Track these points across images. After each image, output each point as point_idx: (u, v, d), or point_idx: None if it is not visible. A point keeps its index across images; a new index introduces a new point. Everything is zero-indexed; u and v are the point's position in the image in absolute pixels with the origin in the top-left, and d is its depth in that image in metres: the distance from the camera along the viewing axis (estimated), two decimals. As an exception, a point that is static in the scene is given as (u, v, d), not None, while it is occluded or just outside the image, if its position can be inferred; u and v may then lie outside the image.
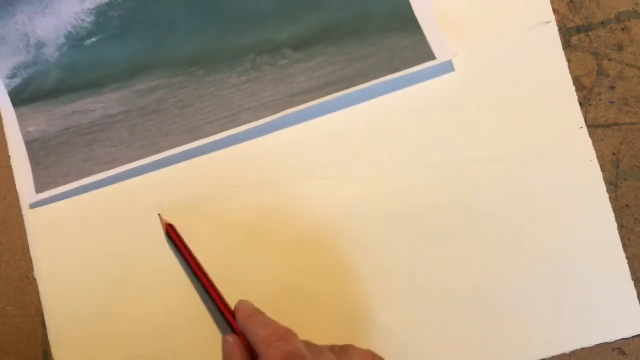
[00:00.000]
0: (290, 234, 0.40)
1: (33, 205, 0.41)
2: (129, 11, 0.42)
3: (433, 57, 0.41)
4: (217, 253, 0.40)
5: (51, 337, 0.40)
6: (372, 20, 0.42)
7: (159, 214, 0.40)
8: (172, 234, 0.39)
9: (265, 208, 0.41)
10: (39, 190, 0.41)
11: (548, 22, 0.42)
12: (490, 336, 0.40)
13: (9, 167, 0.41)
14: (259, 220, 0.41)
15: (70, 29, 0.42)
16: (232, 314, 0.36)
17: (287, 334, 0.33)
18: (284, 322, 0.34)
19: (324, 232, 0.41)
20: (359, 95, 0.41)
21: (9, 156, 0.41)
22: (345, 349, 0.36)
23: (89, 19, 0.42)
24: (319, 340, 0.35)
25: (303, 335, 0.34)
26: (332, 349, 0.35)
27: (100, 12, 0.42)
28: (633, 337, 0.40)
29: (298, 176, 0.41)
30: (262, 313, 0.36)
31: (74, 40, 0.42)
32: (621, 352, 0.40)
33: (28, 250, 0.41)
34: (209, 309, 0.40)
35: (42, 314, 0.40)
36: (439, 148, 0.41)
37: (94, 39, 0.42)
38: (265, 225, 0.41)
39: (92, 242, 0.41)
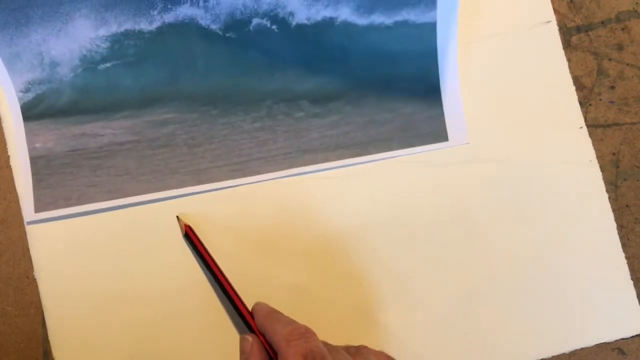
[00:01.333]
0: (296, 237, 0.40)
1: (30, 223, 0.40)
2: (146, 42, 0.41)
3: (446, 137, 0.41)
4: (225, 258, 0.40)
5: (51, 337, 0.40)
6: (396, 84, 0.41)
7: (177, 216, 0.40)
8: (191, 235, 0.39)
9: (273, 211, 0.41)
10: (38, 209, 0.40)
11: (548, 22, 0.42)
12: (490, 336, 0.40)
13: (9, 167, 0.41)
14: (267, 225, 0.41)
15: (85, 53, 0.41)
16: (250, 314, 0.37)
17: (307, 333, 0.33)
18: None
19: (327, 234, 0.41)
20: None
21: (9, 156, 0.41)
22: (359, 349, 0.36)
23: (104, 45, 0.41)
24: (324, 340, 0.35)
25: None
26: (348, 349, 0.36)
27: (115, 40, 0.41)
28: (633, 337, 0.40)
29: (300, 176, 0.41)
30: (280, 313, 0.36)
31: (89, 63, 0.41)
32: (621, 352, 0.40)
33: (28, 250, 0.41)
34: (227, 310, 0.40)
35: (42, 314, 0.40)
36: (438, 148, 0.41)
37: (108, 65, 0.41)
38: (273, 229, 0.41)
39: (92, 242, 0.41)
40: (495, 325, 0.40)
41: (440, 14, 0.40)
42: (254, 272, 0.40)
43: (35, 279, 0.40)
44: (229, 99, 0.41)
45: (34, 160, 0.41)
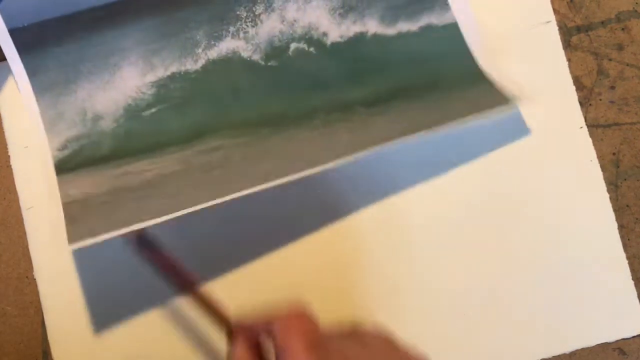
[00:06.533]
0: (303, 235, 0.41)
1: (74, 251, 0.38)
2: (192, 82, 0.40)
3: (506, 102, 0.39)
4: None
5: (51, 337, 0.40)
6: (441, 82, 0.41)
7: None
8: (141, 245, 0.35)
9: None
10: (72, 241, 0.35)
11: (548, 22, 0.42)
12: (490, 336, 0.40)
13: (9, 167, 0.41)
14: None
15: (129, 102, 0.40)
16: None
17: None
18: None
19: (325, 233, 0.41)
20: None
21: (9, 156, 0.41)
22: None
23: (150, 92, 0.40)
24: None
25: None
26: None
27: (161, 85, 0.40)
28: (633, 337, 0.40)
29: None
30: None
31: (133, 111, 0.40)
32: (621, 352, 0.40)
33: (28, 250, 0.41)
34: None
35: (42, 314, 0.40)
36: (438, 148, 0.41)
37: (153, 110, 0.40)
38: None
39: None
40: (495, 325, 0.40)
41: (457, 13, 0.41)
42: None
43: (35, 279, 0.40)
44: (279, 119, 0.40)
45: (67, 205, 0.37)
